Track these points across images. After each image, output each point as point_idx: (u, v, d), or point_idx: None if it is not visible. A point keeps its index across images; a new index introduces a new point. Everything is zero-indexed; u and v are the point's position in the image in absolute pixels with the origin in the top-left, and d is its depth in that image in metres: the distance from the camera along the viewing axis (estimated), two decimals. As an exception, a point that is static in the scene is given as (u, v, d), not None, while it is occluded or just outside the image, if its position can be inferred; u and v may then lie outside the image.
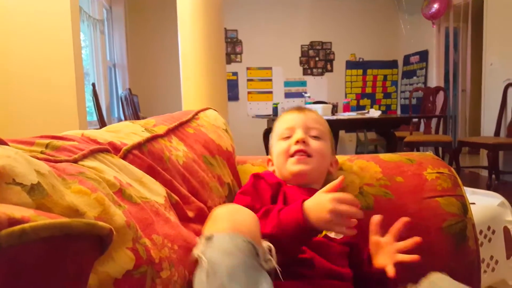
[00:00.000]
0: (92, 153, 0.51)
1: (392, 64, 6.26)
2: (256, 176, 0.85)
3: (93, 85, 3.23)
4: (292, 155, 0.85)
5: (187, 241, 0.54)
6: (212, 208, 0.70)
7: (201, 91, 2.43)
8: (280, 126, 0.91)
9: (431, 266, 0.87)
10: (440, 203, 0.90)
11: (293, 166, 0.84)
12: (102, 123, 3.19)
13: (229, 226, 0.50)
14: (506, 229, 1.62)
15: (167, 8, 5.21)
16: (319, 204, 0.62)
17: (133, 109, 3.52)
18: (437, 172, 0.96)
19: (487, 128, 4.36)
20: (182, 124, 0.82)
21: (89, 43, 4.05)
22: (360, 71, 6.15)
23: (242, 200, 0.76)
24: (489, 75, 4.42)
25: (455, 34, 5.18)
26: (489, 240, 1.55)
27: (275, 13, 5.81)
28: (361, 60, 6.14)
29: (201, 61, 2.39)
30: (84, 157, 0.49)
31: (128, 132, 0.67)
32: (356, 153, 5.84)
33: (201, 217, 0.64)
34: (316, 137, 0.87)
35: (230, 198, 0.81)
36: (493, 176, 3.84)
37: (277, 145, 0.89)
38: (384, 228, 0.89)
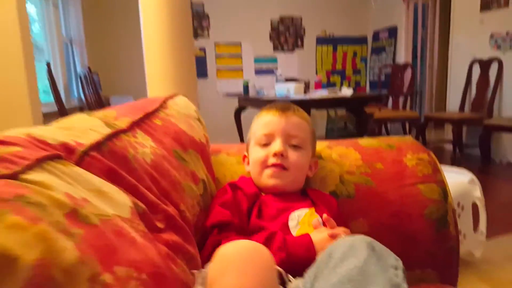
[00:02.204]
0: (39, 163, 0.42)
1: (362, 40, 6.24)
2: (233, 186, 0.81)
3: (48, 64, 3.01)
4: (268, 167, 0.81)
5: (156, 265, 0.46)
6: (185, 213, 0.64)
7: (168, 68, 2.26)
8: (258, 130, 0.85)
9: (413, 252, 0.86)
10: (421, 189, 0.89)
11: (268, 179, 0.81)
12: (59, 104, 2.99)
13: (241, 284, 0.44)
14: (474, 205, 1.66)
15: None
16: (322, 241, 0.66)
17: (94, 88, 3.32)
18: (417, 159, 0.94)
19: (452, 103, 4.46)
20: (148, 115, 0.73)
21: (41, 17, 3.75)
22: (331, 48, 6.11)
23: (221, 214, 0.71)
24: (456, 51, 4.48)
25: (423, 10, 5.20)
26: (459, 216, 1.59)
27: (243, -14, 5.61)
28: (331, 36, 6.08)
29: (166, 35, 2.22)
30: (29, 168, 0.40)
31: (85, 128, 0.58)
32: (327, 130, 5.86)
33: (173, 226, 0.57)
34: (296, 147, 0.83)
35: (205, 196, 0.74)
36: (457, 150, 3.96)
37: (254, 152, 0.85)
38: (367, 217, 0.86)
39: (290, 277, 0.59)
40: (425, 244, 0.86)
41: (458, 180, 1.64)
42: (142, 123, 0.70)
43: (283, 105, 0.87)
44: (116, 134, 0.61)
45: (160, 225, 0.56)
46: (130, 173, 0.57)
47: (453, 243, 0.86)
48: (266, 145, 0.82)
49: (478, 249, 1.69)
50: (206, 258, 0.64)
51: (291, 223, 0.74)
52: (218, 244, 0.66)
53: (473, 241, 1.66)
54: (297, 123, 0.84)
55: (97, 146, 0.55)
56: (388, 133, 5.54)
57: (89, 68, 3.42)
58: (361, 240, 0.51)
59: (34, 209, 0.35)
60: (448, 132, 4.45)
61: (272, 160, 0.80)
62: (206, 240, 0.69)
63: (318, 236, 0.67)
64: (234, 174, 0.92)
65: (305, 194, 0.85)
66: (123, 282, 0.39)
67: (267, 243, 0.63)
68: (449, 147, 4.33)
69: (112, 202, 0.49)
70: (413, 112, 4.54)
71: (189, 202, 0.66)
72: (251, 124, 0.90)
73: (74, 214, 0.41)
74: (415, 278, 0.84)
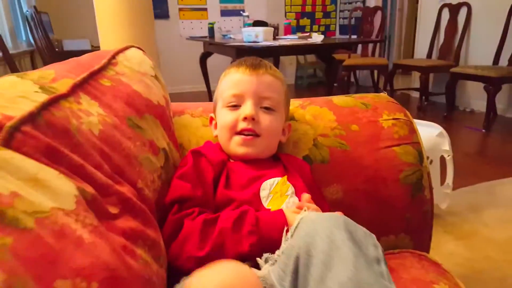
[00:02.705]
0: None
1: (332, -19, 5.99)
2: (195, 153, 0.71)
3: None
4: (238, 133, 0.73)
5: (110, 268, 0.38)
6: (144, 190, 0.56)
7: (120, 7, 2.02)
8: (226, 90, 0.76)
9: (388, 218, 0.84)
10: (396, 152, 0.85)
11: (238, 147, 0.73)
12: (3, 51, 2.69)
13: None
14: (442, 158, 1.68)
15: None
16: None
17: (43, 31, 3.01)
18: (393, 119, 0.89)
19: (420, 50, 4.45)
20: (93, 75, 0.61)
21: None
22: (300, -12, 5.83)
23: (181, 188, 0.63)
24: (426, -5, 4.39)
25: (395, -51, 5.00)
26: (427, 170, 1.60)
27: None
28: (300, -25, 5.78)
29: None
30: None
31: (14, 96, 0.48)
32: (296, 77, 5.76)
33: (129, 210, 0.49)
34: (268, 109, 0.75)
35: (167, 167, 0.66)
36: (423, 97, 4.01)
37: (222, 115, 0.76)
38: (341, 183, 0.82)
39: (260, 261, 0.54)
40: (400, 209, 0.84)
41: (427, 133, 1.64)
42: (86, 84, 0.59)
43: (254, 61, 0.77)
44: (54, 100, 0.50)
45: (113, 210, 0.48)
46: (74, 150, 0.48)
47: (427, 207, 0.85)
48: (235, 107, 0.74)
49: (444, 202, 1.74)
50: (167, 240, 0.58)
51: (263, 193, 0.68)
52: (179, 223, 0.60)
53: (439, 194, 1.70)
54: (270, 82, 0.76)
55: (31, 118, 0.45)
56: (357, 81, 5.53)
57: (35, 7, 3.07)
58: (338, 228, 0.46)
59: None
60: (415, 79, 4.47)
61: (242, 125, 0.72)
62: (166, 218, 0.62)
63: (293, 214, 0.61)
64: (200, 139, 0.83)
65: (277, 160, 0.79)
66: (69, 297, 0.32)
67: (237, 224, 0.57)
68: (415, 94, 4.38)
69: (52, 192, 0.40)
70: (382, 59, 4.50)
71: (148, 177, 0.58)
72: (218, 75, 0.81)
73: (0, 217, 0.32)
74: (390, 244, 0.83)
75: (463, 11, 3.83)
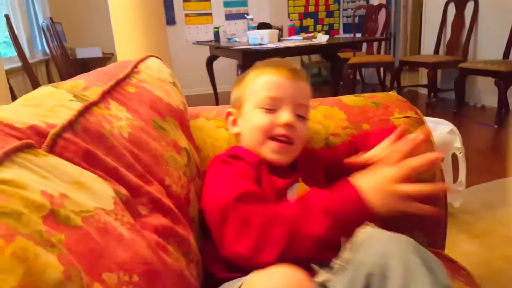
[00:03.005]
0: (8, 156, 0.37)
1: (335, -20, 6.01)
2: (234, 157, 0.71)
3: (6, 16, 2.77)
4: (272, 137, 0.72)
5: (148, 262, 0.42)
6: (172, 187, 0.60)
7: (135, 16, 2.10)
8: (262, 91, 0.73)
9: (402, 216, 0.86)
10: (410, 152, 0.87)
11: (271, 153, 0.72)
12: (22, 59, 2.79)
13: None
14: (454, 155, 1.69)
15: None
16: (381, 192, 0.57)
17: (58, 40, 3.10)
18: (405, 117, 0.91)
19: (427, 46, 4.45)
20: (119, 83, 0.66)
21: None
22: (303, -12, 5.86)
23: (242, 185, 0.63)
24: (431, -9, 4.39)
25: None
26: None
27: None
28: (303, -24, 5.81)
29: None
30: (-3, 164, 0.35)
31: (53, 105, 0.52)
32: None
33: (159, 209, 0.53)
34: (302, 117, 0.75)
35: (190, 165, 0.70)
36: (432, 94, 4.01)
37: (255, 115, 0.73)
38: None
39: (315, 266, 0.56)
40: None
41: (438, 130, 1.65)
42: (114, 92, 0.63)
43: (293, 66, 0.77)
44: (88, 108, 0.55)
45: (144, 210, 0.52)
46: (108, 152, 0.52)
47: (440, 205, 0.86)
48: (271, 110, 0.72)
49: (458, 200, 1.73)
50: (235, 235, 0.58)
51: (290, 197, 0.69)
52: (246, 217, 0.59)
53: (452, 192, 1.70)
54: (306, 91, 0.77)
55: (70, 125, 0.49)
56: (362, 79, 5.54)
57: (51, 18, 3.17)
58: (412, 253, 0.46)
59: (8, 220, 0.30)
60: (423, 76, 4.47)
61: (280, 131, 0.71)
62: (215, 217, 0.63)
63: (369, 181, 0.57)
64: (214, 141, 0.86)
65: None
66: (114, 289, 0.36)
67: (303, 209, 0.58)
68: (423, 91, 4.38)
69: (93, 194, 0.44)
70: (388, 57, 4.52)
71: (175, 174, 0.62)
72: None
73: (53, 216, 0.36)
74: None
75: (470, 6, 3.82)
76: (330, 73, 3.98)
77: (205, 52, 4.29)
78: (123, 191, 0.49)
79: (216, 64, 4.18)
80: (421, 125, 0.91)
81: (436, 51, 4.14)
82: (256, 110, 0.73)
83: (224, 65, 4.54)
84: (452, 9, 4.01)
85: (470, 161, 1.75)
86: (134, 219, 0.47)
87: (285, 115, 0.71)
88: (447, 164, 1.66)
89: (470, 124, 3.29)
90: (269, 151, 0.72)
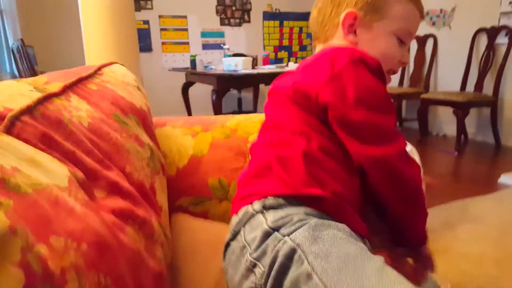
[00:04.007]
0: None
1: (307, 16, 6.23)
2: (378, 72, 0.63)
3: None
4: (391, 70, 0.70)
5: (99, 234, 0.44)
6: (133, 175, 0.62)
7: (107, 42, 2.16)
8: (407, 21, 0.67)
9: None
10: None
11: (387, 79, 0.69)
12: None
13: None
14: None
15: None
16: None
17: (28, 63, 3.08)
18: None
19: (392, 79, 4.65)
20: (81, 80, 0.69)
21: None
22: (277, 23, 6.11)
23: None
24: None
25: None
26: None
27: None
28: (277, 11, 6.07)
29: (105, 6, 2.11)
30: None
31: (13, 94, 0.54)
32: (275, 105, 5.90)
33: (118, 191, 0.55)
34: None
35: (153, 159, 0.71)
36: (397, 123, 4.18)
37: (390, 42, 0.67)
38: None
39: None
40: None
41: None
42: (75, 87, 0.66)
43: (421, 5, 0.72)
44: (48, 97, 0.57)
45: (101, 193, 0.53)
46: (66, 138, 0.54)
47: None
48: (402, 43, 0.68)
49: (419, 219, 1.80)
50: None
51: None
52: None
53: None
54: None
55: (28, 110, 0.51)
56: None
57: (22, 40, 3.15)
58: None
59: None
60: (388, 106, 4.65)
61: (397, 67, 0.70)
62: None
63: None
64: (180, 147, 0.88)
65: None
66: (60, 253, 0.37)
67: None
68: (389, 120, 4.55)
69: (47, 172, 0.46)
70: (357, 87, 4.71)
71: (137, 164, 0.64)
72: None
73: (4, 183, 0.38)
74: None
75: (430, 42, 4.09)
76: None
77: (181, 79, 4.35)
78: (79, 173, 0.51)
79: (191, 91, 4.24)
80: None
81: (401, 83, 4.36)
82: (393, 37, 0.67)
83: (199, 92, 4.61)
84: (414, 45, 4.27)
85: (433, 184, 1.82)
86: (91, 199, 0.49)
87: (407, 56, 0.70)
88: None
89: (433, 152, 3.44)
90: (387, 76, 0.70)
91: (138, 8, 5.13)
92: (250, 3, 5.89)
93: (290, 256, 0.49)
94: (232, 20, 5.81)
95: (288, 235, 0.51)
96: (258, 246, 0.52)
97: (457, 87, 3.70)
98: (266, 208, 0.55)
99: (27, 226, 0.37)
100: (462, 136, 3.44)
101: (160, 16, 5.39)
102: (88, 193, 0.50)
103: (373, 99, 0.61)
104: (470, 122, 3.65)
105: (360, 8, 0.67)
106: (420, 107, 3.70)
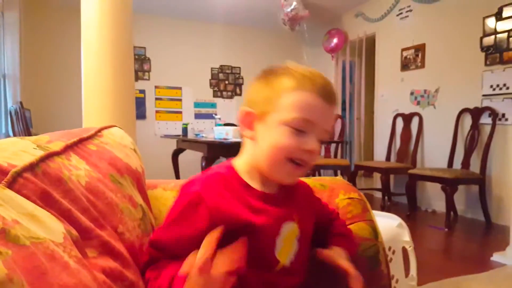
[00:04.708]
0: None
1: (297, 91, 6.60)
2: (195, 206, 0.63)
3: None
4: (293, 161, 0.66)
5: None
6: (125, 235, 0.61)
7: (106, 109, 2.23)
8: (296, 110, 0.65)
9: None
10: (352, 229, 0.91)
11: (287, 176, 0.68)
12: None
13: None
14: (404, 249, 1.74)
15: (70, 16, 4.84)
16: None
17: (24, 125, 3.13)
18: (348, 198, 0.98)
19: (379, 153, 4.80)
20: (82, 141, 0.71)
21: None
22: (268, 96, 6.38)
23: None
24: (380, 106, 4.90)
25: (351, 67, 5.68)
26: (390, 260, 1.65)
27: (185, 34, 5.77)
28: (269, 85, 6.37)
29: (107, 76, 2.21)
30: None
31: (16, 150, 0.56)
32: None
33: (109, 252, 0.54)
34: (321, 142, 0.70)
35: (144, 220, 0.71)
36: (386, 197, 4.21)
37: (281, 133, 0.65)
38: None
39: None
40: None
41: (387, 224, 1.72)
42: (76, 147, 0.68)
43: (331, 90, 0.68)
44: (50, 155, 0.59)
45: (93, 253, 0.53)
46: (65, 195, 0.55)
47: (385, 282, 0.89)
48: (300, 132, 0.65)
49: (410, 296, 1.75)
50: None
51: (278, 240, 0.67)
52: None
53: (405, 286, 1.72)
54: (335, 116, 0.73)
55: (31, 167, 0.53)
56: (322, 180, 5.75)
57: (21, 103, 3.23)
58: None
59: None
60: (376, 180, 4.73)
61: (303, 156, 0.66)
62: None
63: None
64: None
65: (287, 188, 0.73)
66: (53, 307, 0.36)
67: None
68: (378, 194, 4.60)
69: (44, 227, 0.46)
70: (344, 160, 4.80)
71: (129, 224, 0.64)
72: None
73: (3, 234, 0.39)
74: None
75: (415, 120, 4.27)
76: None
77: (172, 146, 4.42)
78: (74, 232, 0.51)
79: (181, 157, 4.28)
80: (363, 206, 0.97)
81: (388, 158, 4.47)
82: (284, 128, 0.65)
83: (189, 159, 4.65)
84: (400, 122, 4.46)
85: (423, 260, 1.80)
86: (84, 257, 0.49)
87: (313, 143, 0.66)
88: (398, 257, 1.70)
89: (423, 227, 3.43)
90: (285, 173, 0.67)
91: (136, 78, 5.36)
92: (242, 78, 6.20)
93: None
94: (224, 93, 6.08)
95: None
96: None
97: (443, 163, 3.80)
98: None
99: (23, 277, 0.37)
100: (452, 212, 3.45)
101: (156, 87, 5.62)
102: (81, 251, 0.50)
103: None
104: (459, 199, 3.69)
105: (254, 103, 0.69)
106: (408, 182, 3.75)
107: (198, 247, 0.56)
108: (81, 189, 0.58)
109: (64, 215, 0.52)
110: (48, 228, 0.46)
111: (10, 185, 0.48)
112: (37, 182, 0.51)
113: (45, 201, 0.51)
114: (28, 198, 0.49)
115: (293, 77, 0.67)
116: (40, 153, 0.57)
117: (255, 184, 0.69)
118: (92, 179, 0.62)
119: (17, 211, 0.44)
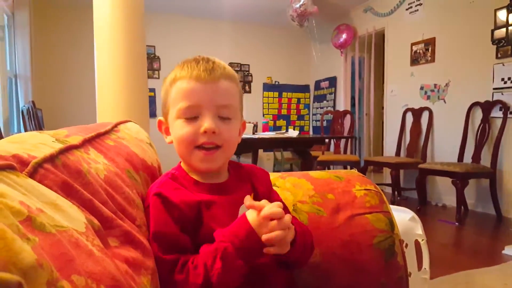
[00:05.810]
0: (-10, 172, 0.40)
1: (305, 88, 6.60)
2: (166, 202, 0.65)
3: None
4: (198, 146, 0.69)
5: (115, 278, 0.44)
6: (142, 228, 0.62)
7: (120, 108, 2.25)
8: (179, 101, 0.69)
9: (365, 283, 0.87)
10: (369, 219, 0.92)
11: (199, 163, 0.70)
12: None
13: None
14: (416, 242, 1.72)
15: (80, 14, 4.87)
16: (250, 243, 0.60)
17: (36, 124, 3.16)
18: (365, 189, 0.98)
19: (389, 148, 4.77)
20: (100, 136, 0.72)
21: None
22: (276, 94, 6.39)
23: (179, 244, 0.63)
24: (390, 101, 4.86)
25: (360, 63, 5.64)
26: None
27: (194, 32, 5.77)
28: (276, 83, 6.37)
29: (121, 75, 2.22)
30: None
31: (36, 143, 0.56)
32: (274, 171, 5.95)
33: (130, 242, 0.54)
34: (227, 118, 0.70)
35: None
36: (396, 192, 4.18)
37: (177, 127, 0.69)
38: (319, 247, 0.87)
39: None
40: (375, 274, 0.87)
41: (400, 217, 1.71)
42: (94, 141, 0.69)
43: (207, 65, 0.70)
44: (69, 148, 0.59)
45: (115, 242, 0.53)
46: (85, 187, 0.55)
47: (401, 273, 0.89)
48: (192, 119, 0.68)
49: (424, 288, 1.74)
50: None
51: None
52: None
53: (418, 280, 1.71)
54: (227, 88, 0.71)
55: (51, 159, 0.53)
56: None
57: (33, 102, 3.27)
58: None
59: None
60: (386, 176, 4.70)
61: (202, 139, 0.68)
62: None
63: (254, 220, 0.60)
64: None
65: (242, 176, 0.78)
66: (81, 292, 0.37)
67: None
68: (388, 190, 4.56)
69: (67, 216, 0.47)
70: (354, 156, 4.77)
71: (144, 219, 0.64)
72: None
73: (30, 221, 0.39)
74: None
75: (425, 114, 4.23)
76: (300, 169, 4.13)
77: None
78: (96, 221, 0.51)
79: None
80: (380, 197, 0.97)
81: (398, 153, 4.43)
82: (178, 121, 0.69)
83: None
84: (410, 117, 4.41)
85: (434, 254, 1.79)
86: (106, 247, 0.49)
87: (205, 122, 0.67)
88: (411, 251, 1.69)
89: (433, 221, 3.40)
90: (198, 161, 0.70)
91: (144, 76, 5.37)
92: (251, 75, 6.20)
93: None
94: (233, 90, 6.08)
95: None
96: None
97: (453, 158, 3.76)
98: None
99: (51, 262, 0.37)
100: (462, 207, 3.42)
101: (164, 84, 5.63)
102: (102, 240, 0.50)
103: None
104: (470, 193, 3.66)
105: (162, 111, 0.76)
106: (418, 176, 3.72)
107: (190, 231, 0.64)
108: (100, 182, 0.58)
109: (86, 205, 0.52)
110: (70, 218, 0.47)
111: (32, 176, 0.49)
112: (57, 173, 0.52)
113: (66, 191, 0.51)
114: (49, 188, 0.49)
115: (173, 72, 0.72)
116: (59, 145, 0.58)
117: (202, 179, 0.73)
118: (110, 173, 0.62)
119: (40, 200, 0.45)
